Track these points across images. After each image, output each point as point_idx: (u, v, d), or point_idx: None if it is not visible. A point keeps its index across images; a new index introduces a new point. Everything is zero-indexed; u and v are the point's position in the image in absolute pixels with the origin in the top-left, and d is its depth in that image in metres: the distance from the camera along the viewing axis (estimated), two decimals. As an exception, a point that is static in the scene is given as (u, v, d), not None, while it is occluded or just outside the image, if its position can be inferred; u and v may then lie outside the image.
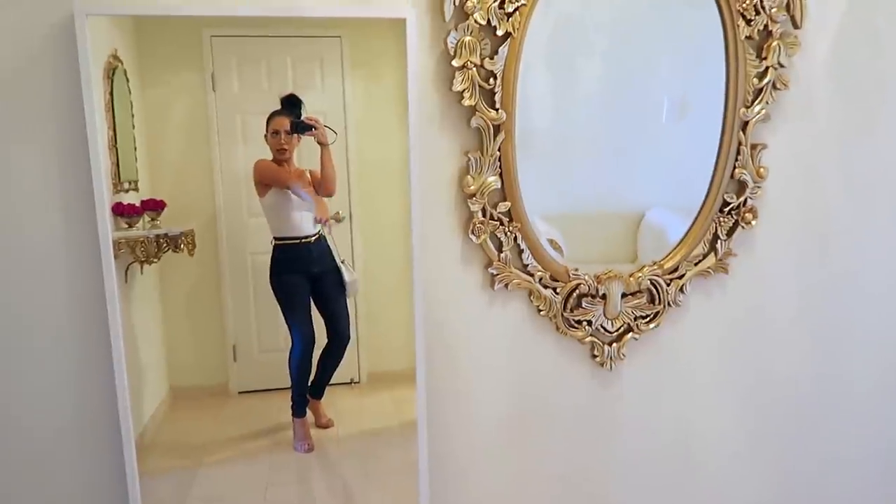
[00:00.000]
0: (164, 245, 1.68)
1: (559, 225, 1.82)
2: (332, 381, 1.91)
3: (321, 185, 1.73)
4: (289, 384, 1.87)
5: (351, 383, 1.95)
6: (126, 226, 1.61)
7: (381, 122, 1.76)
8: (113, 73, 1.55)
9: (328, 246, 1.82)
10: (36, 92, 1.42)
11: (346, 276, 1.82)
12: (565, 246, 1.82)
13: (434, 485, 1.76)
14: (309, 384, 1.86)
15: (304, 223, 1.79)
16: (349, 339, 1.88)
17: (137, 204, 1.63)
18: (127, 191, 1.61)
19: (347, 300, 1.85)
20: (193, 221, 1.73)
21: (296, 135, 1.71)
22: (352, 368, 1.95)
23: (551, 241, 1.78)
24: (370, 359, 1.95)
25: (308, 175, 1.75)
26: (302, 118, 1.68)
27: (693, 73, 1.80)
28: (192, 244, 1.71)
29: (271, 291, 1.80)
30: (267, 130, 1.72)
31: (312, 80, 1.76)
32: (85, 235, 1.49)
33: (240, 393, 1.88)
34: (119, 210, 1.57)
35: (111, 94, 1.53)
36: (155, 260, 1.67)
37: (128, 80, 1.60)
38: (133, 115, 1.62)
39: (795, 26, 1.70)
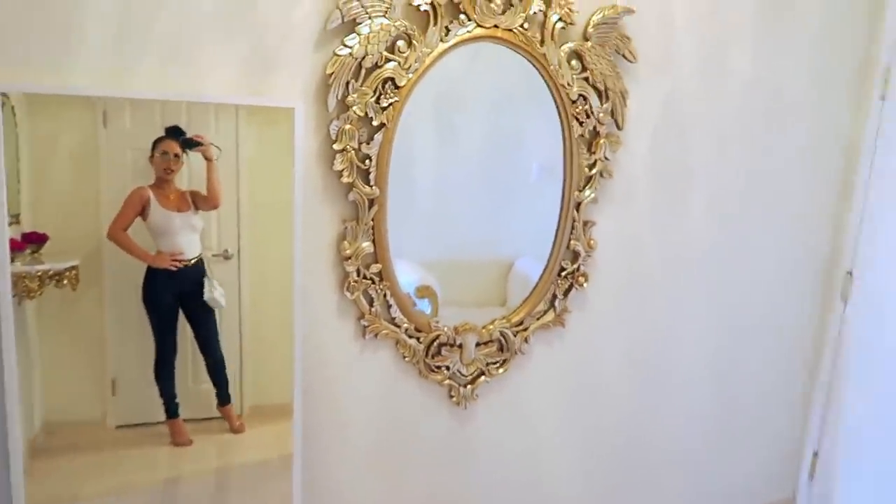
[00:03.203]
0: (47, 280, 1.65)
1: (436, 271, 2.03)
2: (212, 416, 1.94)
3: (207, 199, 1.79)
4: (165, 417, 1.89)
5: (232, 416, 2.01)
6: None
7: (271, 165, 1.84)
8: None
9: (203, 268, 1.86)
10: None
11: (206, 293, 1.86)
12: (440, 291, 2.02)
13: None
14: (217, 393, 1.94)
15: (187, 243, 1.82)
16: (220, 358, 1.92)
17: (19, 237, 1.60)
18: (10, 224, 1.56)
19: (216, 320, 1.90)
20: (77, 255, 1.71)
21: (184, 152, 1.76)
22: (233, 401, 1.96)
23: (425, 288, 1.99)
24: (252, 392, 1.98)
25: (189, 197, 1.80)
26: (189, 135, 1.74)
27: (557, 145, 2.04)
28: (75, 279, 1.70)
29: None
30: (154, 152, 1.75)
31: (206, 119, 1.78)
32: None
33: (117, 427, 1.86)
34: None
35: (-4, 130, 1.50)
36: (36, 294, 1.65)
37: (14, 114, 1.57)
38: (17, 148, 1.59)
39: (618, 128, 2.06)
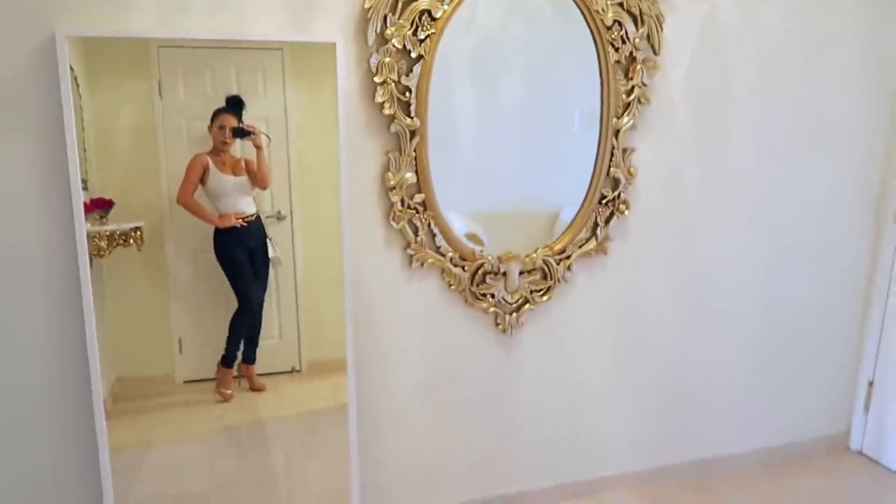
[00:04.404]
0: (115, 241, 1.78)
1: (483, 221, 2.08)
2: (274, 370, 2.06)
3: (257, 180, 1.92)
4: (219, 363, 2.01)
5: (292, 371, 2.11)
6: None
7: (319, 129, 1.91)
8: (65, 81, 1.63)
9: (262, 224, 1.98)
10: (17, 102, 1.60)
11: (271, 252, 2.00)
12: (487, 240, 2.08)
13: (363, 450, 2.02)
14: (240, 352, 2.03)
15: (243, 204, 1.94)
16: (262, 306, 2.04)
17: (87, 202, 1.71)
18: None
19: (269, 274, 2.03)
20: (141, 219, 1.82)
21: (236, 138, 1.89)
22: (293, 358, 2.09)
23: (471, 236, 2.04)
24: (310, 349, 2.09)
25: (243, 163, 1.91)
26: (242, 124, 1.86)
27: (595, 81, 2.04)
28: (140, 240, 1.82)
29: (212, 279, 1.94)
30: (212, 124, 1.86)
31: (255, 89, 1.87)
32: (57, 229, 1.66)
33: (185, 382, 2.00)
34: None
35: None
36: (106, 253, 1.76)
37: (78, 86, 1.67)
38: (83, 119, 1.70)
39: (655, 53, 2.06)
